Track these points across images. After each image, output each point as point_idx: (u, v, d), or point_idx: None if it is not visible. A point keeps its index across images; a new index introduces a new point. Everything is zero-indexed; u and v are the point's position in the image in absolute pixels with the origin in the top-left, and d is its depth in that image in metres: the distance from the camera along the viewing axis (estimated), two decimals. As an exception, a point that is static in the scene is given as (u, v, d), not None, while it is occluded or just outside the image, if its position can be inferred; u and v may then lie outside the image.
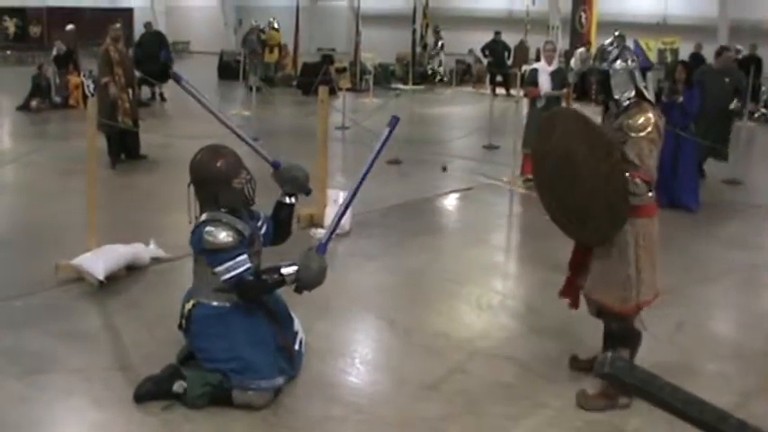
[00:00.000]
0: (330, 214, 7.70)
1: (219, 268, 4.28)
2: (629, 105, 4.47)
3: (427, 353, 5.22)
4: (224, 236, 4.28)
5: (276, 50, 23.11)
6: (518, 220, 9.32)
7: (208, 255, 4.33)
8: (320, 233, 7.60)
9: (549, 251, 7.62)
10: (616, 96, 4.49)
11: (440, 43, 25.34)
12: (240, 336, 4.40)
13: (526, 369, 5.00)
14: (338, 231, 7.60)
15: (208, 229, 4.29)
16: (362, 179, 4.49)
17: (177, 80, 4.79)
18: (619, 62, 4.53)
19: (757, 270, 7.34)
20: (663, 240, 8.21)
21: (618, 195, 4.23)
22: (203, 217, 4.40)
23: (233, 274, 4.28)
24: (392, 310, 5.92)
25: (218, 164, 4.40)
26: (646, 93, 4.58)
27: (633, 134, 4.34)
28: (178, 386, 4.36)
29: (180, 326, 4.59)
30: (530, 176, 10.44)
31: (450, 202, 9.86)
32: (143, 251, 6.70)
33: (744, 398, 4.69)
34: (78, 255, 6.24)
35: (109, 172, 10.11)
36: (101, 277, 6.05)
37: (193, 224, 4.44)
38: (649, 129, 4.35)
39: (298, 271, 4.31)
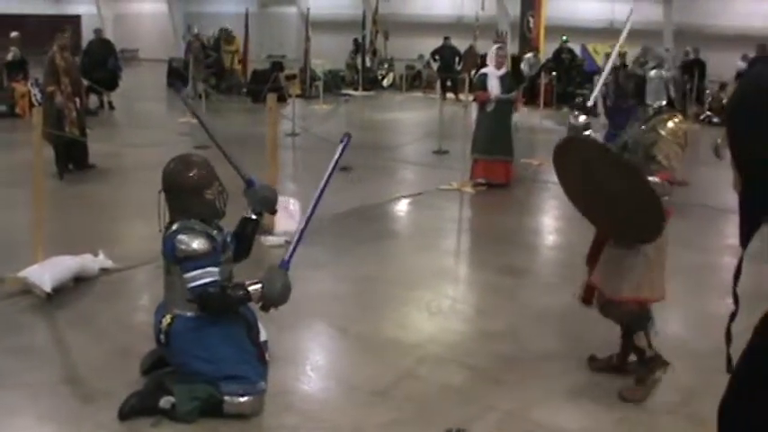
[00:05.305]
0: (280, 221, 7.69)
1: (187, 275, 4.25)
2: (659, 110, 4.72)
3: (378, 359, 5.24)
4: (197, 243, 4.26)
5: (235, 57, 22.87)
6: (468, 224, 9.41)
7: (180, 263, 4.29)
8: (270, 240, 7.60)
9: (499, 255, 7.73)
10: (648, 102, 4.76)
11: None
12: (223, 345, 4.36)
13: (476, 372, 5.05)
14: (288, 239, 7.64)
15: (180, 237, 4.26)
16: (318, 198, 4.59)
17: (177, 91, 4.76)
18: (654, 71, 4.85)
19: (704, 270, 7.46)
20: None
21: (653, 205, 4.33)
22: (174, 226, 4.36)
23: (198, 283, 4.23)
24: (343, 318, 5.93)
25: (191, 174, 4.38)
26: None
27: (666, 135, 4.59)
28: (165, 402, 4.29)
29: (158, 341, 4.50)
30: (479, 181, 10.58)
31: (401, 207, 9.90)
32: (91, 262, 6.62)
33: (687, 396, 4.78)
34: (25, 267, 6.15)
35: (57, 182, 9.97)
36: (48, 289, 5.97)
37: (164, 233, 4.39)
38: (680, 134, 4.64)
39: (263, 287, 4.32)
